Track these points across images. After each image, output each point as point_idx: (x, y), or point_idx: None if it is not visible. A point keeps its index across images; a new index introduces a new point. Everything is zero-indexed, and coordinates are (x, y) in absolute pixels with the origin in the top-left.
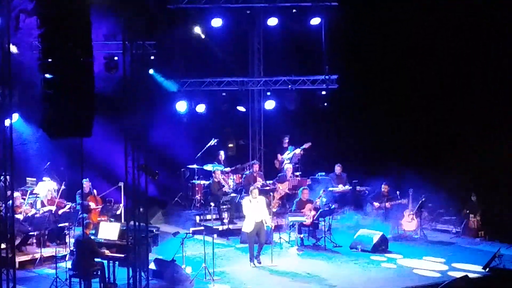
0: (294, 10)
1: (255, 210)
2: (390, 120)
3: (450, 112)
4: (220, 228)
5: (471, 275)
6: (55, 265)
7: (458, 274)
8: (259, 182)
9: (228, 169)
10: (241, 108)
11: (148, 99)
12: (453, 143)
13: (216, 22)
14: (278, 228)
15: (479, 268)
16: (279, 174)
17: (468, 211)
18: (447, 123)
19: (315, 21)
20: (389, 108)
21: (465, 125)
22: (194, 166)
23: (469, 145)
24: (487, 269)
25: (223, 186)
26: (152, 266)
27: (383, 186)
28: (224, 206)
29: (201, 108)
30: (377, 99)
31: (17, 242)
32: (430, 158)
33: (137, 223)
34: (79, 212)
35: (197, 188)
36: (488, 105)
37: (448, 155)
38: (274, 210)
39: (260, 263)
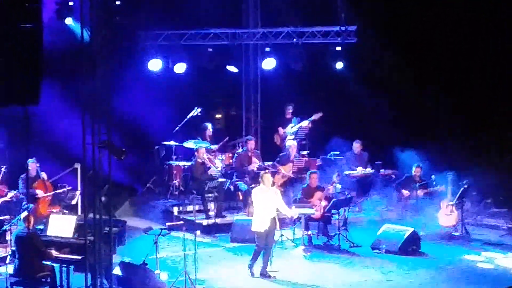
0: None
1: (269, 203)
2: (423, 84)
3: (500, 74)
4: (205, 222)
5: None
6: None
7: None
8: (255, 163)
9: (215, 146)
10: (232, 68)
11: (112, 56)
12: (505, 112)
13: None
14: (279, 223)
15: None
16: (281, 154)
17: None
18: (496, 86)
19: None
20: (422, 68)
21: None
22: (172, 142)
23: None
24: None
25: (209, 168)
26: (117, 271)
27: (414, 169)
28: (210, 195)
29: (180, 68)
30: (406, 58)
31: None
32: (475, 133)
33: (98, 216)
34: (24, 202)
35: (175, 171)
36: None
37: (498, 129)
38: None
39: (273, 276)
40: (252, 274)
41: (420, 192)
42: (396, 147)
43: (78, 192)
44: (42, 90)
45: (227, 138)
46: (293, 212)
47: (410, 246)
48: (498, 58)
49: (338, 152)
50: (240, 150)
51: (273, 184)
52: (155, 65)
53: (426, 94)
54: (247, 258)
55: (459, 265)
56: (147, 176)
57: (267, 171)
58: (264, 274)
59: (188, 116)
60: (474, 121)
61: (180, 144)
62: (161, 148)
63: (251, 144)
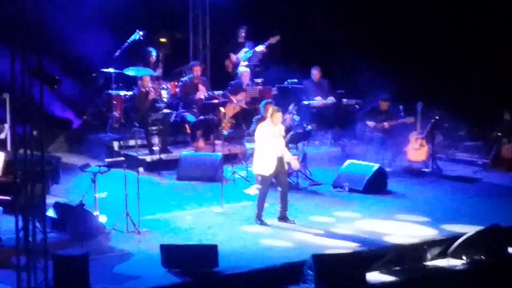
0: None
1: (278, 142)
2: (392, 7)
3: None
4: (149, 158)
5: (502, 224)
6: None
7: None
8: (202, 92)
9: (158, 71)
10: None
11: None
12: (477, 36)
13: None
14: (231, 158)
15: None
16: (232, 82)
17: (499, 134)
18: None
19: None
20: None
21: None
22: (111, 70)
23: (499, 40)
24: None
25: (154, 99)
26: (50, 213)
27: (380, 100)
28: (154, 128)
29: None
30: None
31: None
32: (446, 58)
33: (29, 152)
34: None
35: (115, 102)
36: None
37: (470, 54)
38: (225, 132)
39: (292, 221)
40: (263, 223)
41: (386, 124)
42: (360, 74)
43: (6, 125)
44: None
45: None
46: (296, 162)
47: (376, 184)
48: None
49: (295, 80)
50: (185, 78)
51: (224, 116)
52: None
53: (393, 15)
54: (195, 197)
55: (429, 203)
56: (83, 107)
57: (277, 107)
58: (283, 218)
59: (129, 40)
60: (444, 50)
61: (121, 71)
62: (99, 75)
63: (197, 70)
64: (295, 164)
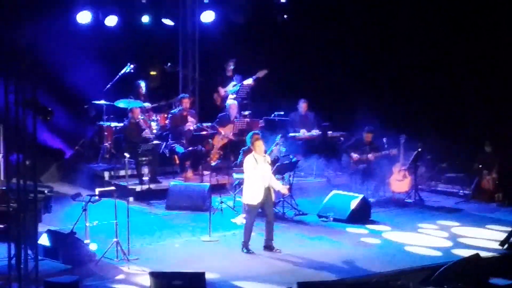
0: None
1: (264, 172)
2: (376, 35)
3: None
4: (138, 188)
5: (483, 254)
6: None
7: (466, 253)
8: (191, 123)
9: (147, 104)
10: (168, 22)
11: (37, 7)
12: (461, 73)
13: None
14: (219, 188)
15: (495, 245)
16: (221, 114)
17: (480, 166)
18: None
19: None
20: (374, 21)
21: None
22: (102, 102)
23: (482, 76)
24: (505, 246)
25: (144, 130)
26: (43, 240)
27: (365, 134)
28: (144, 158)
29: (111, 20)
30: (359, 7)
31: None
32: (429, 93)
33: (22, 181)
34: None
35: (106, 133)
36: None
37: (454, 90)
38: (214, 163)
39: (278, 250)
40: (249, 252)
41: (370, 156)
42: (345, 107)
43: (0, 155)
44: None
45: (164, 102)
46: (283, 187)
47: (360, 214)
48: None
49: (282, 113)
50: (174, 110)
51: (212, 147)
52: (84, 17)
53: (378, 49)
54: (184, 226)
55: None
56: (75, 137)
57: (258, 135)
58: (269, 247)
59: (120, 73)
60: (428, 84)
61: (112, 103)
62: (91, 107)
63: (186, 102)
64: (284, 191)
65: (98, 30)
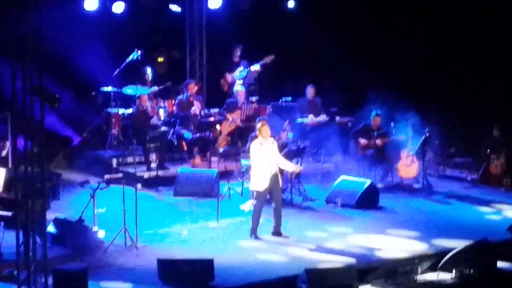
0: None
1: (269, 156)
2: (383, 23)
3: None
4: (146, 175)
5: (491, 239)
6: None
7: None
8: (197, 107)
9: (154, 88)
10: (175, 8)
11: None
12: (468, 56)
13: None
14: (227, 174)
15: (502, 230)
16: (228, 100)
17: (489, 151)
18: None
19: None
20: (382, 6)
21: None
22: (110, 88)
23: (490, 60)
24: None
25: (151, 117)
26: (51, 228)
27: (372, 117)
28: (152, 145)
29: (119, 7)
30: None
31: None
32: (438, 77)
33: (30, 169)
34: None
35: (113, 120)
36: None
37: (463, 73)
38: (221, 149)
39: (286, 236)
40: (258, 238)
41: (378, 142)
42: (352, 92)
43: (7, 143)
44: None
45: (170, 83)
46: (295, 167)
47: (368, 200)
48: None
49: (290, 98)
50: (181, 96)
51: (220, 133)
52: (91, 4)
53: (385, 35)
54: (192, 213)
55: (419, 218)
56: (83, 125)
57: (264, 121)
58: (277, 233)
59: (128, 60)
60: (437, 68)
61: (119, 90)
62: (98, 94)
63: (192, 88)
64: (297, 169)
65: (105, 17)
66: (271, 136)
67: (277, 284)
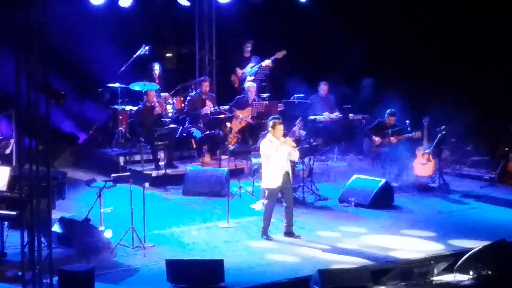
0: None
1: (283, 155)
2: (396, 14)
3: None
4: (155, 173)
5: (509, 239)
6: None
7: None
8: (209, 107)
9: (165, 94)
10: (183, 2)
11: None
12: (486, 53)
13: None
14: (237, 173)
15: None
16: (238, 97)
17: (506, 149)
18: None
19: None
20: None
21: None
22: (117, 84)
23: (509, 56)
24: None
25: (159, 113)
26: (56, 228)
27: (387, 116)
28: (160, 143)
29: (126, 1)
30: None
31: None
32: (454, 74)
33: (34, 167)
34: None
35: (120, 117)
36: None
37: (479, 71)
38: (231, 147)
39: (298, 237)
40: (269, 238)
41: (393, 139)
42: (367, 89)
43: (12, 141)
44: None
45: (179, 86)
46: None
47: (382, 199)
48: None
49: (302, 95)
50: (192, 93)
51: (230, 130)
52: None
53: (401, 30)
54: (201, 212)
55: (435, 218)
56: (89, 122)
57: (279, 120)
58: (289, 233)
59: (135, 55)
60: (453, 64)
61: (126, 86)
62: (105, 90)
63: (205, 85)
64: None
65: (112, 11)
66: (284, 133)
67: (289, 285)
